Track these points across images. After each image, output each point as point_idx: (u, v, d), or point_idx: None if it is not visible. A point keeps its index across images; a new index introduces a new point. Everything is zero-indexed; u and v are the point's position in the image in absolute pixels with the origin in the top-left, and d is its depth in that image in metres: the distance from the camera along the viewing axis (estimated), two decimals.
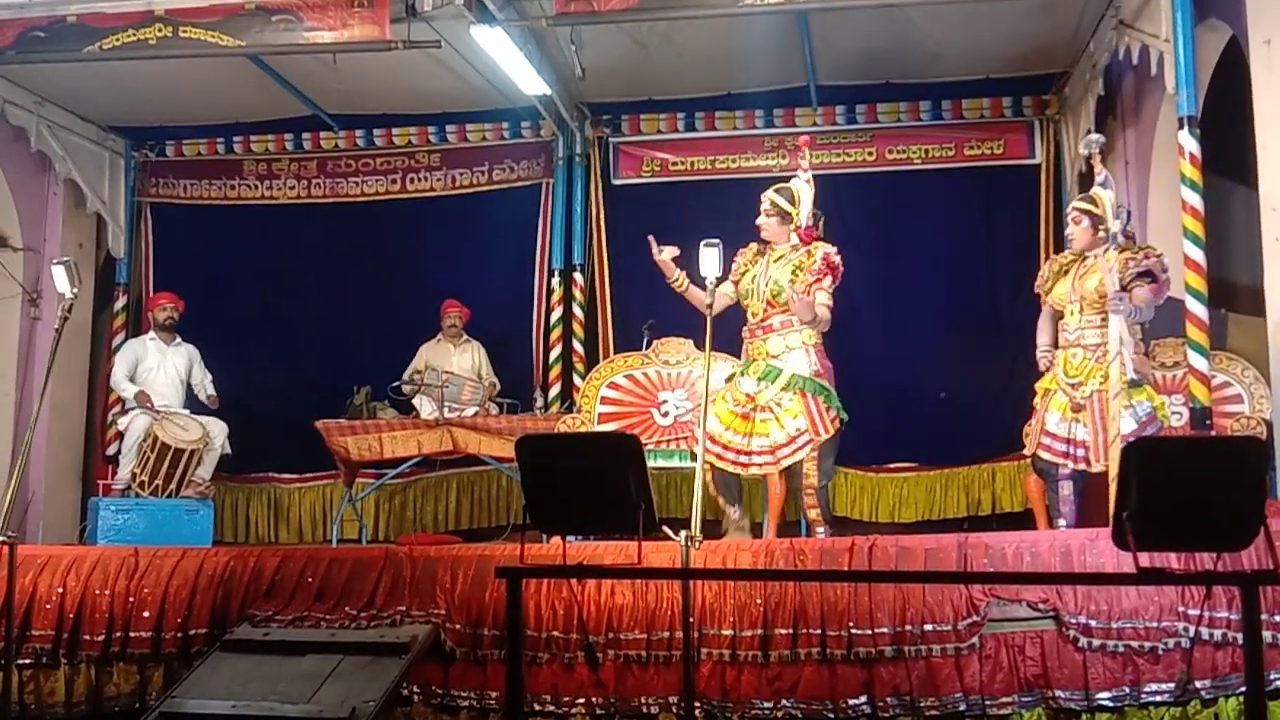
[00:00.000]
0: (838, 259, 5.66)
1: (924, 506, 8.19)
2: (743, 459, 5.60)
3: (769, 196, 5.76)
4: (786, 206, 5.73)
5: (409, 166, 9.14)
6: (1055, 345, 5.79)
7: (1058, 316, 5.80)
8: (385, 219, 9.09)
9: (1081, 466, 5.51)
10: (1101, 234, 5.63)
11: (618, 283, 8.83)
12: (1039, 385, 5.77)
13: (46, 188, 8.82)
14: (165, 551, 5.41)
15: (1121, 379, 5.30)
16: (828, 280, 5.63)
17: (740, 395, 5.65)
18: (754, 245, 5.84)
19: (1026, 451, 5.83)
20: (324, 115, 8.84)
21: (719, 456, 5.59)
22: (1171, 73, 6.09)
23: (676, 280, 5.69)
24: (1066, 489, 5.59)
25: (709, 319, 4.90)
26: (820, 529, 5.67)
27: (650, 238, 5.72)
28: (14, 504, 4.71)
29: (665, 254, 5.65)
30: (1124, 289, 5.38)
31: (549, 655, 4.76)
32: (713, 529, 6.62)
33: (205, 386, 8.12)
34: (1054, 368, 5.71)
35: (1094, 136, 5.76)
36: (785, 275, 5.60)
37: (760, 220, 5.74)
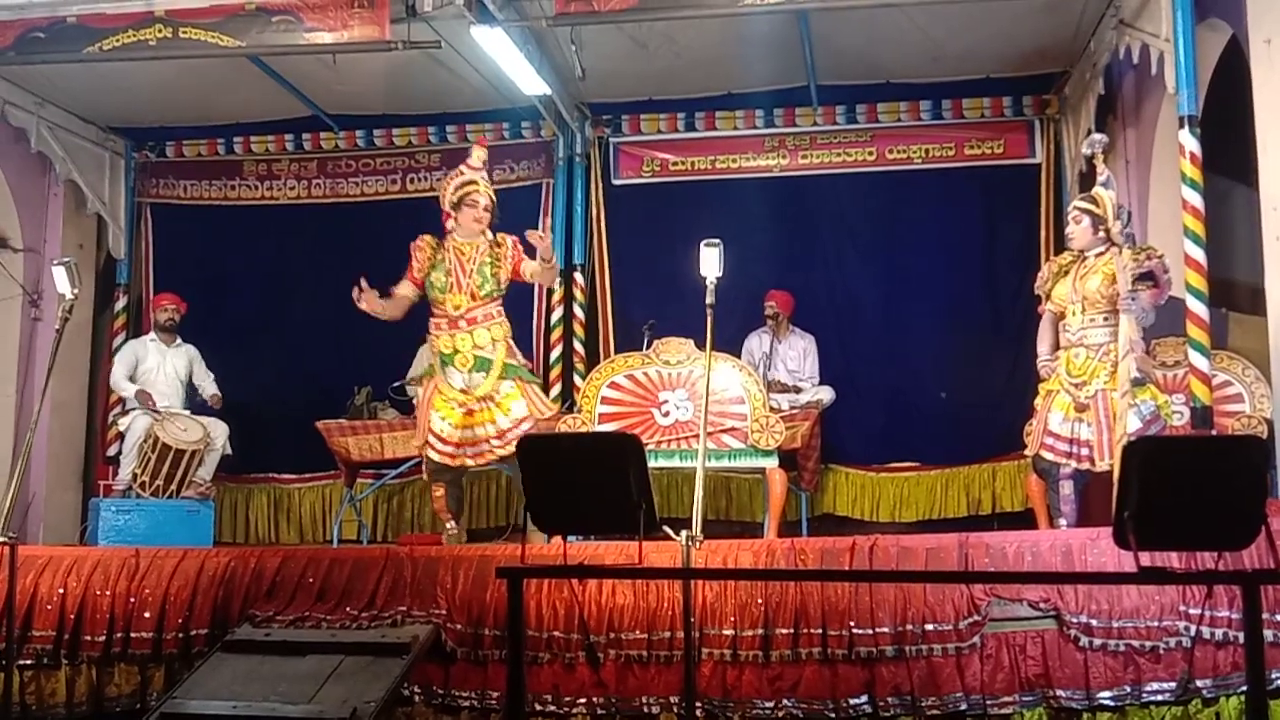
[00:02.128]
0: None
1: (924, 506, 8.19)
2: (469, 450, 5.88)
3: (488, 195, 5.98)
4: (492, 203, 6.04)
5: (409, 167, 9.14)
6: (1056, 352, 5.81)
7: (1058, 319, 5.81)
8: (385, 219, 9.07)
9: (1085, 466, 5.52)
10: (1101, 233, 5.64)
11: (618, 283, 8.84)
12: (1042, 386, 5.78)
13: (47, 189, 8.82)
14: (166, 552, 5.41)
15: (1128, 378, 5.31)
16: (525, 257, 5.98)
17: (454, 391, 5.86)
18: (430, 239, 6.01)
19: (1028, 451, 5.83)
20: (324, 116, 8.84)
21: (451, 456, 5.88)
22: (1172, 72, 6.09)
23: (379, 310, 5.98)
24: (1067, 489, 5.60)
25: (709, 319, 4.89)
26: None
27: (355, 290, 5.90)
28: (15, 505, 4.71)
29: (366, 302, 5.92)
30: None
31: (550, 655, 4.76)
32: (714, 529, 6.64)
33: (206, 386, 8.12)
34: (1057, 368, 5.71)
35: (1097, 136, 5.77)
36: (488, 268, 5.89)
37: (480, 213, 5.94)
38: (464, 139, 8.98)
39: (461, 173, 6.02)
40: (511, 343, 6.05)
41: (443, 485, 6.01)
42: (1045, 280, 5.88)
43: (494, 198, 6.06)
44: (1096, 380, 5.49)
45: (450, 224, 6.03)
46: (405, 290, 6.01)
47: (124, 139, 9.25)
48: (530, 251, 5.99)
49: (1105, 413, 5.43)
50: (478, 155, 6.08)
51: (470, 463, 5.99)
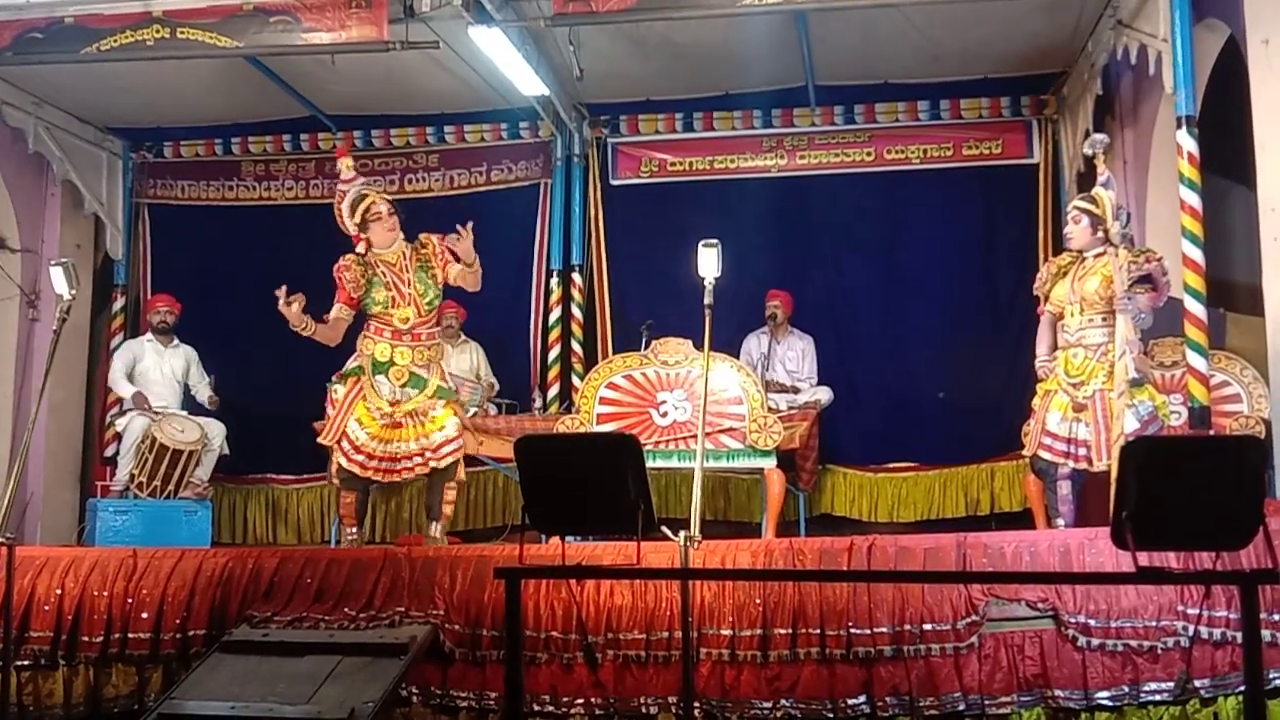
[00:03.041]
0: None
1: (923, 506, 8.19)
2: (388, 465, 5.87)
3: (386, 201, 6.01)
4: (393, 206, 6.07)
5: (407, 167, 9.14)
6: (1054, 352, 5.81)
7: (1057, 320, 5.81)
8: None
9: (1083, 466, 5.52)
10: (1100, 234, 5.64)
11: (616, 283, 8.84)
12: (1040, 386, 5.78)
13: (44, 189, 8.81)
14: (164, 553, 5.40)
15: (1124, 378, 5.31)
16: (451, 259, 5.97)
17: (383, 403, 5.85)
18: (354, 258, 5.95)
19: (1026, 451, 5.83)
20: (322, 116, 8.84)
21: (361, 466, 5.85)
22: (1170, 72, 6.09)
23: (305, 327, 5.85)
24: (1065, 489, 5.60)
25: (707, 319, 4.90)
26: (438, 525, 5.97)
27: (278, 293, 5.74)
28: (12, 505, 4.70)
29: (292, 305, 5.76)
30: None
31: (548, 656, 4.76)
32: (712, 529, 6.64)
33: (201, 390, 8.10)
34: (1055, 368, 5.71)
35: (1098, 137, 5.75)
36: (424, 272, 5.93)
37: (389, 220, 5.94)
38: (462, 139, 9.01)
39: (344, 193, 5.97)
40: (442, 365, 6.10)
41: (353, 493, 5.97)
42: (1044, 281, 5.88)
43: (391, 201, 6.05)
44: (1094, 380, 5.49)
45: (361, 246, 5.97)
46: (341, 314, 5.95)
47: (122, 139, 9.25)
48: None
49: (1103, 413, 5.43)
50: (345, 166, 6.05)
51: (377, 478, 5.95)
